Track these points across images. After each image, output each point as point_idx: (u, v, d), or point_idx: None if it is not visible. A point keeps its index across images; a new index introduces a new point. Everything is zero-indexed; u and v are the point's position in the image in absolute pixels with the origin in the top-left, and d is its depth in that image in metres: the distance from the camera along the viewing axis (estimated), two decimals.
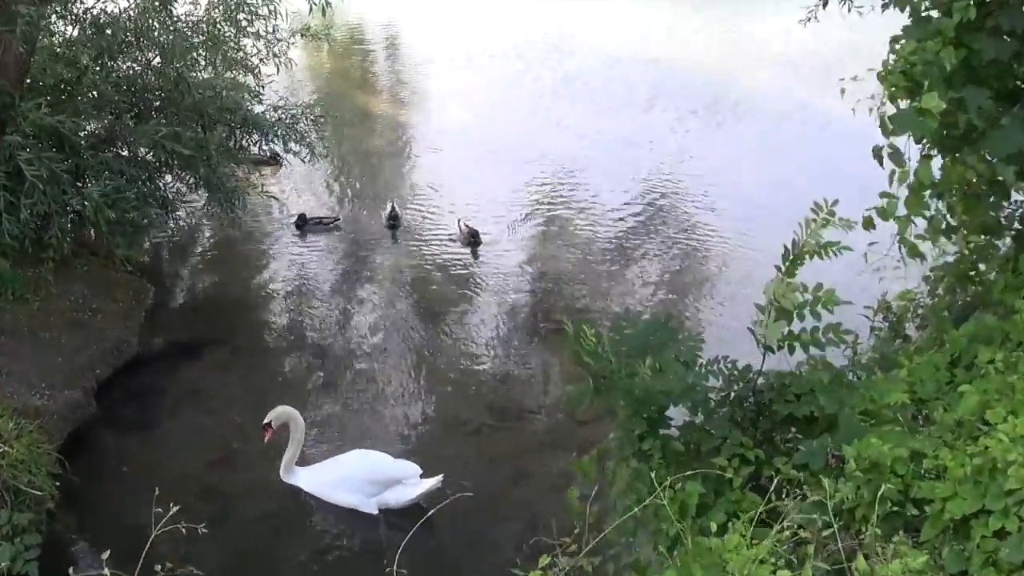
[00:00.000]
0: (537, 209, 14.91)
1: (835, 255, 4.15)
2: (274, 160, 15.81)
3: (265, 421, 8.39)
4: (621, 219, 14.52)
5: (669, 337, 4.32)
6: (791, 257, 4.15)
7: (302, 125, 12.45)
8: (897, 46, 5.35)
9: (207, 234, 14.05)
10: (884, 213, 5.34)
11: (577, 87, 20.83)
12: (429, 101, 20.51)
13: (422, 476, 8.25)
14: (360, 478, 8.17)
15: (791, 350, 4.28)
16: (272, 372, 10.63)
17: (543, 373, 10.46)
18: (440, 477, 8.30)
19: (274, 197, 13.67)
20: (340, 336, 11.37)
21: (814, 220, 4.18)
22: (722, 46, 22.96)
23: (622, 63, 22.05)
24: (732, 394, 4.43)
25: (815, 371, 4.52)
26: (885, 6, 5.73)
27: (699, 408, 4.22)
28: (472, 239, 13.37)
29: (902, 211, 5.42)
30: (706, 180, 15.79)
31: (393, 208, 14.07)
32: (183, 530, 4.02)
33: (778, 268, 4.22)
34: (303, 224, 13.98)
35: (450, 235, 13.75)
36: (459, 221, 13.79)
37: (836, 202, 4.22)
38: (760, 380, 4.47)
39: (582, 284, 12.52)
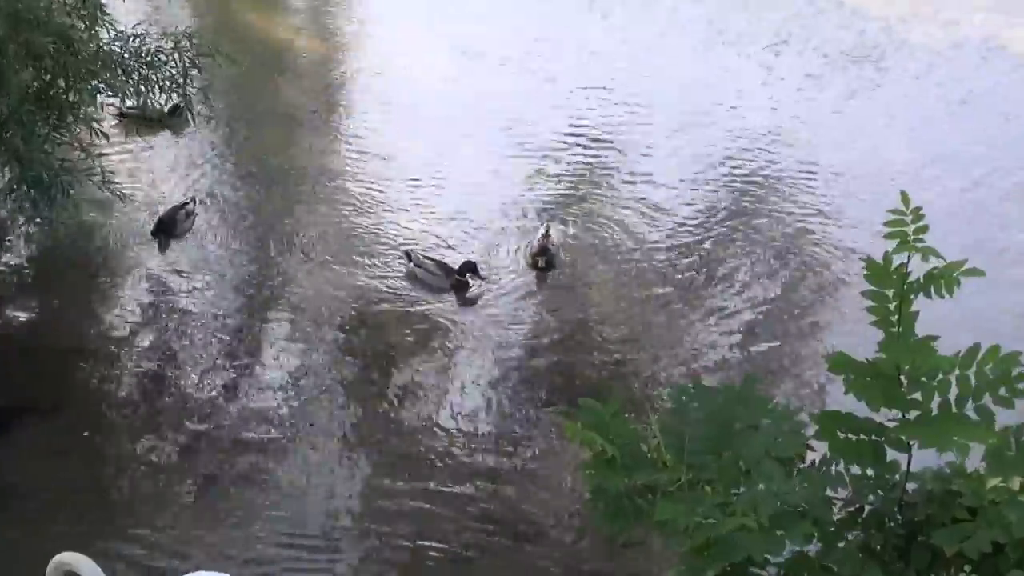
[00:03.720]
0: (555, 210, 14.99)
1: (948, 294, 4.09)
2: (175, 114, 15.70)
3: None
4: (685, 225, 14.59)
5: (758, 416, 4.34)
6: (895, 306, 4.14)
7: (173, 66, 12.40)
8: None
9: (25, 239, 14.04)
10: None
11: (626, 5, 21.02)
12: (381, 31, 20.68)
13: None
14: None
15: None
16: (122, 460, 10.58)
17: (559, 467, 10.44)
18: None
19: (115, 191, 13.54)
20: (231, 406, 11.35)
21: (901, 236, 4.19)
22: None
23: None
24: (866, 509, 4.42)
25: (999, 467, 4.46)
26: None
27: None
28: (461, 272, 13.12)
29: None
30: (826, 162, 15.87)
31: (438, 264, 13.31)
32: None
33: (885, 326, 4.20)
34: (170, 228, 14.05)
35: (418, 260, 13.68)
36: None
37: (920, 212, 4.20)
38: (910, 485, 4.45)
39: (622, 329, 12.57)
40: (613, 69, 18.60)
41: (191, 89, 12.67)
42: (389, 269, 13.59)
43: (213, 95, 13.19)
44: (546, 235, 13.69)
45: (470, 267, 13.16)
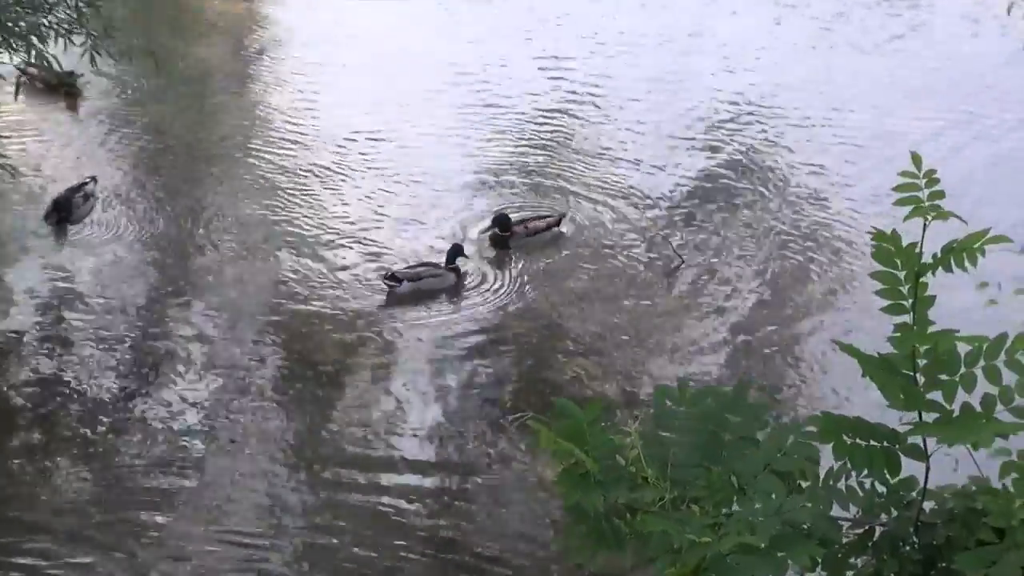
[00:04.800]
0: (515, 188, 15.12)
1: (971, 265, 4.01)
2: (68, 82, 15.76)
3: None
4: (671, 201, 14.71)
5: (753, 425, 4.34)
6: (909, 289, 4.12)
7: (67, 6, 12.18)
8: None
9: None
10: None
11: None
12: None
13: None
14: None
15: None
16: (14, 477, 10.50)
17: (523, 483, 10.51)
18: None
19: (3, 165, 13.46)
20: (137, 416, 11.27)
21: (914, 202, 4.11)
22: None
23: None
24: (877, 531, 4.44)
25: None
26: None
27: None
28: None
29: None
30: (832, 125, 16.11)
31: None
32: None
33: (896, 311, 4.14)
34: (66, 211, 13.99)
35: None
36: None
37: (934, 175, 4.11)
38: (928, 504, 4.46)
39: (600, 325, 12.63)
40: (611, 7, 19.03)
41: (91, 30, 12.51)
42: (326, 257, 13.66)
43: (118, 46, 13.00)
44: (538, 218, 14.00)
45: (458, 250, 13.48)
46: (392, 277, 13.17)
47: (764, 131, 16.10)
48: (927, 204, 4.15)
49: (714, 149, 15.74)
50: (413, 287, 13.17)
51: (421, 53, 18.01)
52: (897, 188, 4.19)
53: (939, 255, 4.13)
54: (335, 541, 9.96)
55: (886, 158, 14.81)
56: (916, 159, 4.18)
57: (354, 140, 15.78)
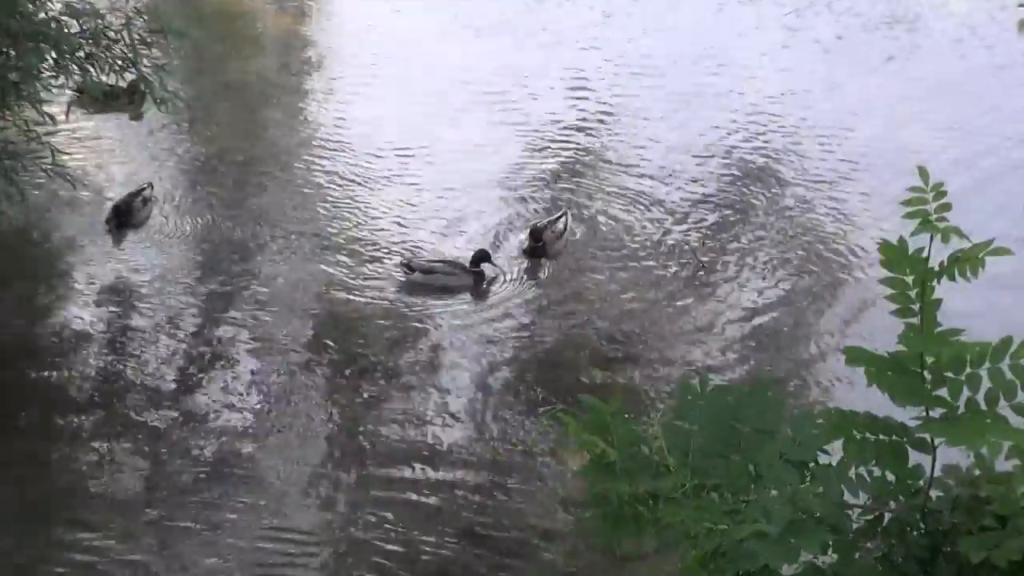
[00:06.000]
0: (544, 192, 15.15)
1: (973, 276, 4.01)
2: (131, 93, 15.54)
3: None
4: (691, 208, 14.73)
5: (771, 420, 4.31)
6: (916, 293, 4.10)
7: (123, 44, 12.14)
8: None
9: None
10: None
11: None
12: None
13: None
14: None
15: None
16: (75, 468, 10.55)
17: (554, 474, 10.48)
18: None
19: (65, 176, 13.50)
20: (193, 410, 11.30)
21: (922, 216, 4.07)
22: None
23: None
24: (886, 517, 4.39)
25: None
26: None
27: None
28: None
29: None
30: (849, 135, 16.12)
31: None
32: None
33: (905, 315, 4.16)
34: (126, 216, 14.02)
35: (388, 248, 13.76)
36: None
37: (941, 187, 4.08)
38: (934, 492, 4.41)
39: (624, 324, 12.64)
40: (626, 31, 19.06)
41: (144, 68, 12.57)
42: (368, 260, 13.68)
43: (172, 73, 13.16)
44: (553, 222, 13.87)
45: (483, 256, 13.28)
46: (407, 265, 13.20)
47: (785, 139, 16.21)
48: (935, 218, 4.12)
49: (738, 158, 15.76)
50: (424, 279, 13.14)
51: (460, 71, 18.17)
52: (906, 202, 4.16)
53: (946, 263, 4.13)
54: (379, 532, 9.95)
55: (895, 171, 14.73)
56: (923, 173, 4.16)
57: (385, 153, 15.82)
